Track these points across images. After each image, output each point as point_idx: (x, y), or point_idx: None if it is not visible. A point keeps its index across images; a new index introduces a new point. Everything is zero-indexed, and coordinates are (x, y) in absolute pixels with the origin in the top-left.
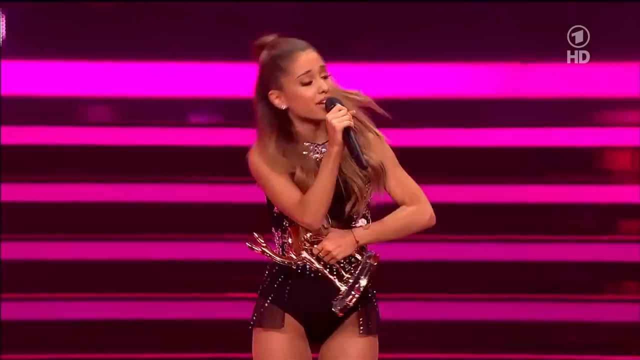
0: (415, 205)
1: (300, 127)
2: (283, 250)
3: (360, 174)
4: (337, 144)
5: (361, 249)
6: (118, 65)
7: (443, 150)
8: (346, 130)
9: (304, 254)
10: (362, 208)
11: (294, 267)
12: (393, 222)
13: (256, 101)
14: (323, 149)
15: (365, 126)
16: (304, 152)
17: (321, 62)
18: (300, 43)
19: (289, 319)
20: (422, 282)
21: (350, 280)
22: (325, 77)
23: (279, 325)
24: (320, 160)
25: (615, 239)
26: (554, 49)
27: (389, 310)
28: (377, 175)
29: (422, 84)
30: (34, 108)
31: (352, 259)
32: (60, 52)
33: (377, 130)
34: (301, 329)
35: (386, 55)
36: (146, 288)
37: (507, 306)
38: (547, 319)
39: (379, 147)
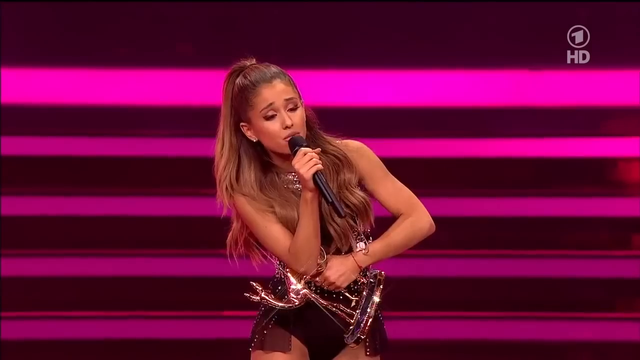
0: (412, 214)
1: (276, 159)
2: (284, 273)
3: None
4: (310, 190)
5: (365, 269)
6: (122, 73)
7: (446, 162)
8: (317, 175)
9: (305, 291)
10: (348, 244)
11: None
12: (394, 238)
13: (228, 131)
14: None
15: (342, 147)
16: (285, 186)
17: (288, 95)
18: (269, 73)
19: (294, 341)
20: (426, 299)
21: (358, 310)
22: (293, 109)
23: (286, 349)
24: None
25: (629, 254)
26: (560, 56)
27: (393, 328)
28: (362, 211)
29: (425, 92)
30: (35, 117)
31: (357, 281)
32: (62, 59)
33: (358, 144)
34: (305, 350)
35: (387, 62)
36: (148, 306)
37: (515, 325)
38: (558, 338)
39: (363, 161)
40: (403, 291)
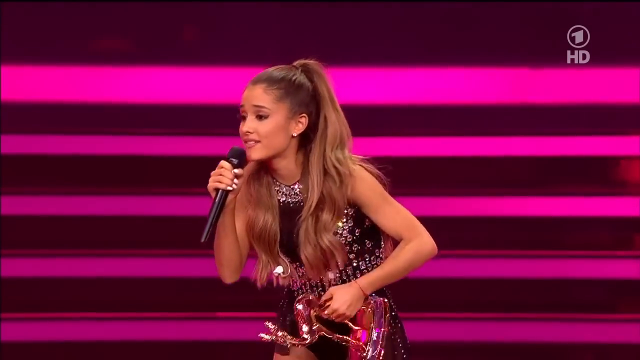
0: (414, 238)
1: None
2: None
3: (314, 244)
4: None
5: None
6: (123, 71)
7: (445, 160)
8: (217, 192)
9: (316, 327)
10: (319, 276)
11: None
12: (396, 264)
13: None
14: (287, 191)
15: (339, 173)
16: (268, 189)
17: (259, 102)
18: (263, 75)
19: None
20: (426, 301)
21: (370, 343)
22: (261, 118)
23: (284, 350)
24: (284, 202)
25: (632, 255)
26: (560, 55)
27: None
28: (329, 255)
29: (424, 90)
30: (35, 115)
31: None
32: (62, 57)
33: (356, 174)
34: (310, 353)
35: (386, 60)
36: (144, 307)
37: (516, 326)
38: (559, 340)
39: (361, 191)
40: (402, 293)
